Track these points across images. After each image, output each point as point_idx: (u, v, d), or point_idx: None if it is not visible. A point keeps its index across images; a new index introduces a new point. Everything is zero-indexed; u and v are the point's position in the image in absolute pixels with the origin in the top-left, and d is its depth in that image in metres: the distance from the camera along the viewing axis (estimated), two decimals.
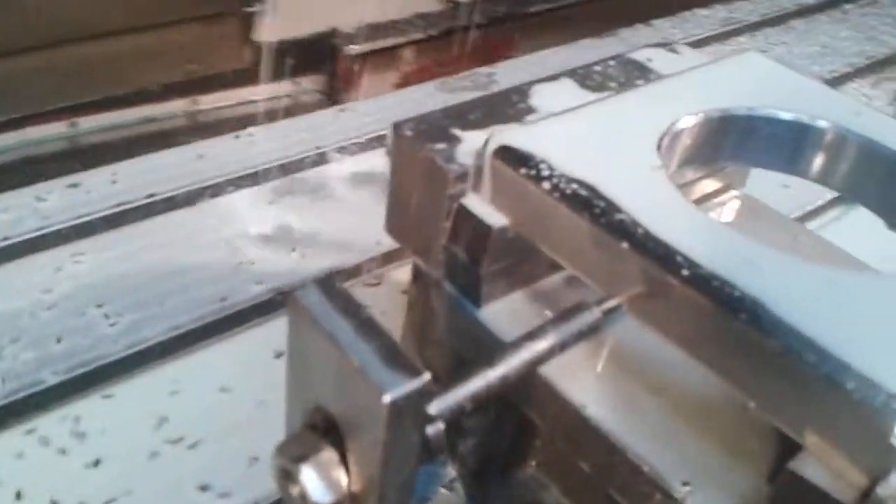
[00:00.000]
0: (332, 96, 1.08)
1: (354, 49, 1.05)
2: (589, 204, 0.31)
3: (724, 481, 0.30)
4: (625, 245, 0.29)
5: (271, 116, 0.93)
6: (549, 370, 0.34)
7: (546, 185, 0.32)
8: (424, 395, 0.24)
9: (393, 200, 0.39)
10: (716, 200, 0.46)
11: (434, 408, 0.26)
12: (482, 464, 0.44)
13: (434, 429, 0.26)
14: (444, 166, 0.35)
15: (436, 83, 0.84)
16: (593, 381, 0.34)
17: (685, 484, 0.30)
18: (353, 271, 0.60)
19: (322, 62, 1.07)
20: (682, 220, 0.30)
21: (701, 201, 0.46)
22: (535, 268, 0.36)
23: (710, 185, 0.45)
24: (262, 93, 1.02)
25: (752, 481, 0.30)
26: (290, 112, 0.96)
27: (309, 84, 1.08)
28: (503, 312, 0.36)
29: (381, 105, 0.81)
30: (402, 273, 0.57)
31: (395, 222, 0.40)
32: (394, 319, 0.40)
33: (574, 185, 0.31)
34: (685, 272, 0.28)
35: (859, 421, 0.24)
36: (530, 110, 0.39)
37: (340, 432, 0.25)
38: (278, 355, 0.52)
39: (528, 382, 0.34)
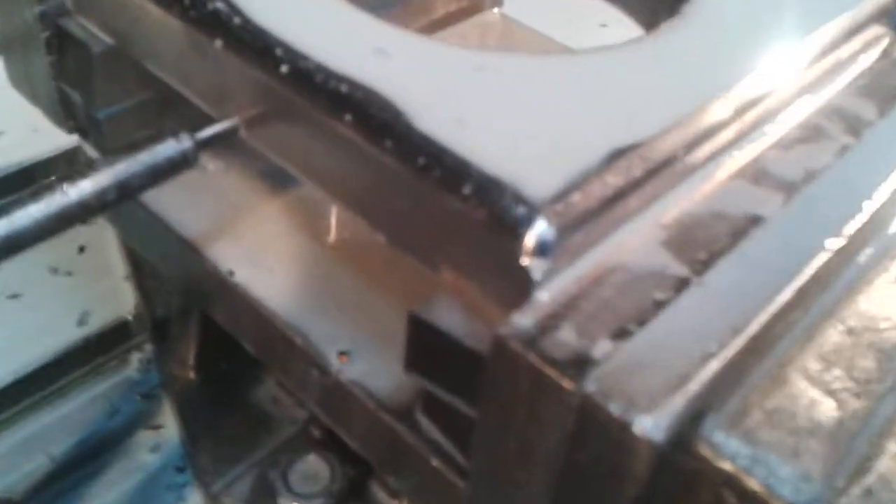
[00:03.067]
0: None
1: None
2: None
3: (385, 345, 0.23)
4: (218, 43, 0.21)
5: None
6: (196, 237, 0.27)
7: None
8: None
9: (2, 42, 0.30)
10: (469, 20, 0.39)
11: None
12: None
13: None
14: None
15: None
16: (245, 244, 0.27)
17: (342, 354, 0.24)
18: None
19: None
20: (304, 7, 0.22)
21: (447, 19, 0.38)
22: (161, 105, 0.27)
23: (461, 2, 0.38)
24: None
25: None
26: None
27: None
28: None
29: None
30: None
31: (13, 71, 0.31)
32: None
33: None
34: (284, 68, 0.20)
35: (488, 236, 0.17)
36: None
37: None
38: None
39: (189, 264, 0.27)
